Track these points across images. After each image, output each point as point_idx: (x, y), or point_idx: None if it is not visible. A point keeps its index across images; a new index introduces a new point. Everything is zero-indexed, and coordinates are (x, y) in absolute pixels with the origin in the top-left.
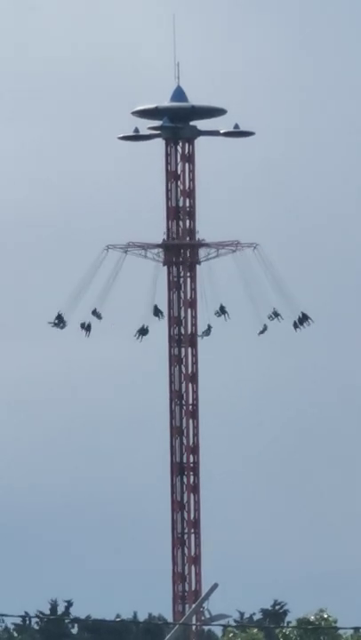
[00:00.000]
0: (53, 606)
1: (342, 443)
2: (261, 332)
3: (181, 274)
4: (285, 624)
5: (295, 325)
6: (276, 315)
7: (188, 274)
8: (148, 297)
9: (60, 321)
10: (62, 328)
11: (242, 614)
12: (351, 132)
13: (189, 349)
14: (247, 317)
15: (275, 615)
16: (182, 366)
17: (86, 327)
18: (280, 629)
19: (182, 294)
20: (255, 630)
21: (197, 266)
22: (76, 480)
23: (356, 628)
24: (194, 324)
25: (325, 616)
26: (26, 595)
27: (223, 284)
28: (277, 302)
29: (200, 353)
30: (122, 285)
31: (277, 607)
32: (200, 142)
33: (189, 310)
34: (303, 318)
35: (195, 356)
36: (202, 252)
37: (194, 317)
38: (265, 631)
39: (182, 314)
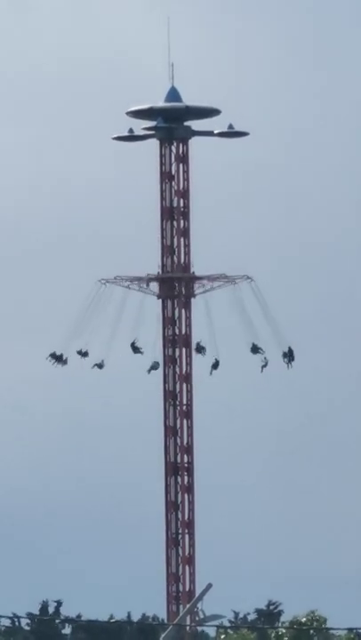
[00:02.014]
0: (44, 607)
1: (336, 444)
2: (264, 366)
3: (176, 306)
4: (280, 624)
5: (285, 358)
6: (256, 349)
7: (183, 304)
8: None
9: (58, 358)
10: (63, 364)
11: (236, 614)
12: (345, 131)
13: (183, 350)
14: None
15: (269, 615)
16: (176, 367)
17: (83, 354)
18: (274, 630)
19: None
20: (245, 630)
21: (192, 299)
22: (69, 480)
23: (350, 629)
24: (188, 325)
25: (317, 617)
26: (18, 596)
27: (217, 314)
28: (269, 333)
29: (194, 354)
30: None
31: (272, 607)
32: (194, 142)
33: (183, 311)
34: (290, 354)
35: (189, 356)
36: (197, 286)
37: (188, 318)
38: (258, 632)
39: (176, 323)
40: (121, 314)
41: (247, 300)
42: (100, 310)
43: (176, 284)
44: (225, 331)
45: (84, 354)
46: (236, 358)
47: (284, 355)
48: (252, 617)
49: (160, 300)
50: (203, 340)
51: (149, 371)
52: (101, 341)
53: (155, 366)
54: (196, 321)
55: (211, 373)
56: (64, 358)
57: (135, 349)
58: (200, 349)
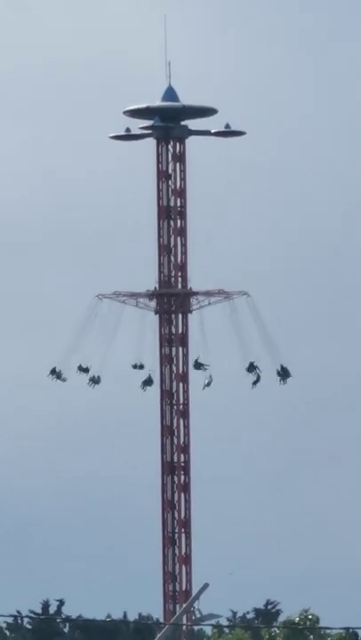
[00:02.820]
0: (45, 606)
1: (332, 442)
2: (256, 382)
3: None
4: (276, 624)
5: (280, 375)
6: (253, 367)
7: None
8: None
9: (57, 374)
10: (64, 380)
11: (234, 614)
12: (343, 131)
13: (180, 349)
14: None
15: (267, 615)
16: (173, 366)
17: (84, 370)
18: (268, 630)
19: (173, 257)
20: (239, 630)
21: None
22: (66, 480)
23: (345, 628)
24: (185, 324)
25: (310, 616)
26: (18, 594)
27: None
28: (265, 349)
29: (191, 353)
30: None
31: (270, 607)
32: (191, 142)
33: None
34: (284, 372)
35: (185, 355)
36: (194, 301)
37: (185, 317)
38: (253, 631)
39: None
40: (117, 329)
41: (244, 316)
42: (97, 326)
43: (173, 301)
44: (220, 346)
45: (84, 369)
46: (232, 373)
47: (278, 373)
48: (250, 616)
49: (157, 316)
50: (200, 354)
51: (143, 385)
52: (100, 356)
53: (148, 382)
54: (192, 337)
55: (203, 389)
56: (62, 376)
57: (137, 367)
58: (199, 366)
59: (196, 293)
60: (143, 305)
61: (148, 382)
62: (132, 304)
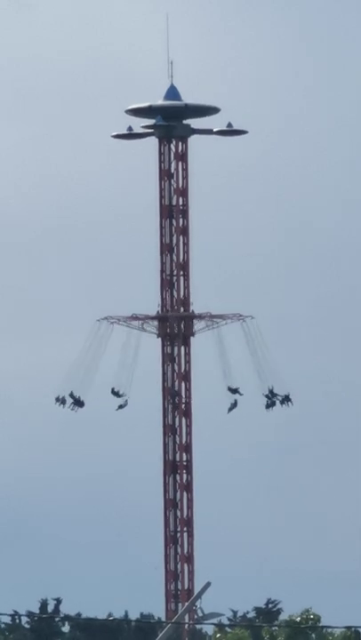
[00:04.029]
0: (43, 605)
1: (335, 443)
2: (231, 409)
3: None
4: (277, 623)
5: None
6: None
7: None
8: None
9: (62, 401)
10: (75, 408)
11: (235, 613)
12: (345, 130)
13: (182, 348)
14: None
15: (268, 614)
16: (175, 365)
17: (116, 394)
18: (268, 631)
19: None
20: (239, 630)
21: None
22: (68, 478)
23: (348, 627)
24: (188, 325)
25: (311, 615)
26: (17, 593)
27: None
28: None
29: (192, 352)
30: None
31: (271, 605)
32: (193, 141)
33: (182, 292)
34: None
35: (188, 354)
36: (196, 325)
37: (187, 310)
38: (254, 630)
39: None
40: (118, 351)
41: (247, 339)
42: (100, 349)
43: (175, 324)
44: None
45: (116, 393)
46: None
47: (267, 396)
48: (250, 615)
49: (160, 339)
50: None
51: (118, 408)
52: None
53: (123, 405)
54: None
55: (228, 412)
56: (66, 401)
57: (116, 394)
58: (234, 391)
59: (198, 316)
60: (145, 329)
61: (122, 406)
62: (134, 327)
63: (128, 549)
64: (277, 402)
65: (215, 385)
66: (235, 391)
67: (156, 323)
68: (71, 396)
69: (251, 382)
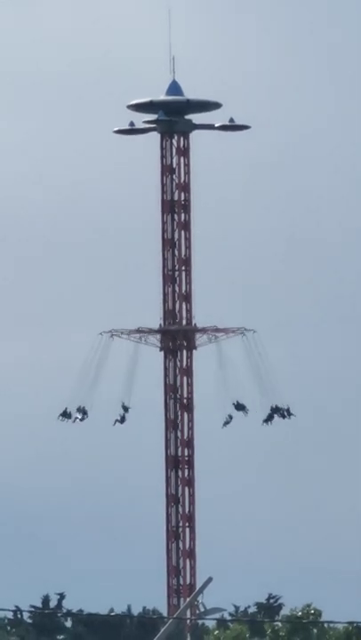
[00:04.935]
0: (45, 600)
1: (336, 437)
2: (226, 424)
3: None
4: (278, 618)
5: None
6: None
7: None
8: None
9: (66, 415)
10: (82, 419)
11: (237, 608)
12: (346, 125)
13: (184, 342)
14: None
15: (269, 609)
16: (177, 360)
17: (83, 411)
18: (270, 626)
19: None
20: (239, 626)
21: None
22: (70, 474)
23: (350, 623)
24: (188, 318)
25: (312, 610)
26: (19, 589)
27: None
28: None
29: (193, 352)
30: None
31: (272, 601)
32: (195, 136)
33: (184, 304)
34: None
35: (189, 350)
36: (198, 339)
37: (187, 309)
38: (255, 625)
39: (177, 307)
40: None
41: (248, 353)
42: (103, 362)
43: (177, 338)
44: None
45: (124, 408)
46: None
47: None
48: (252, 610)
49: (162, 352)
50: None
51: (115, 423)
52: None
53: (121, 419)
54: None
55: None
56: (72, 415)
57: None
58: (241, 407)
59: (200, 330)
60: (148, 343)
61: (121, 420)
62: (137, 341)
63: (130, 545)
64: (277, 416)
65: (216, 385)
66: (241, 407)
67: (158, 336)
68: (78, 410)
69: (252, 391)
